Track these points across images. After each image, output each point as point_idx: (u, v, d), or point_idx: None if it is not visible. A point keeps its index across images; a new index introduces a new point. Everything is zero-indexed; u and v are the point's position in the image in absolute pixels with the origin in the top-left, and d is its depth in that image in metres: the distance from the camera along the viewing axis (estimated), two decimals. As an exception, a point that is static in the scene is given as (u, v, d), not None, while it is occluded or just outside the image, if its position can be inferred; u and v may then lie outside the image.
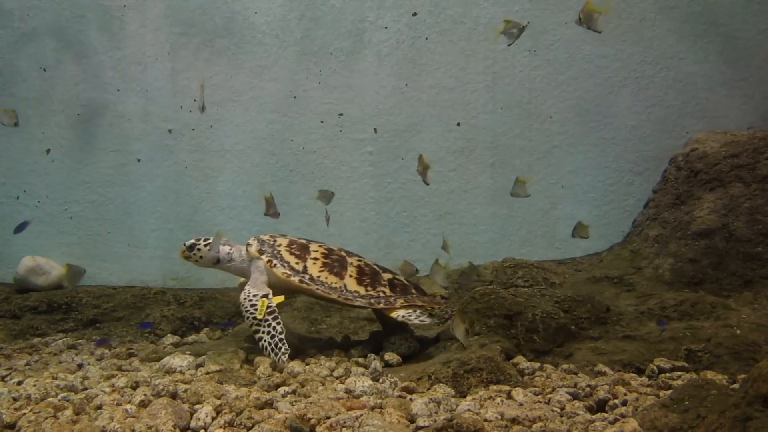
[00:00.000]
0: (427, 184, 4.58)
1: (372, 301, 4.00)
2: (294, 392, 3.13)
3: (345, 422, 2.50)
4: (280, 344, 3.79)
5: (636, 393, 2.94)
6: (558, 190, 5.63)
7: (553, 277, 5.10)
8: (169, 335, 4.80)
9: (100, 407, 2.89)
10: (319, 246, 4.20)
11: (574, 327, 3.73)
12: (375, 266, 4.22)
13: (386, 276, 4.14)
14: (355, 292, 4.00)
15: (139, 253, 5.50)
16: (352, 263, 4.13)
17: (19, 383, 3.35)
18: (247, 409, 2.73)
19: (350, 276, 4.06)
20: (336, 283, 4.02)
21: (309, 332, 4.73)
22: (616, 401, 2.84)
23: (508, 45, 4.17)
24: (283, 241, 4.18)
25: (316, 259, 4.09)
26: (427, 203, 5.67)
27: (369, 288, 4.03)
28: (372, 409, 2.76)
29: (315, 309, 5.06)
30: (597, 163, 5.62)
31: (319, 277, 4.02)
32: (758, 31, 5.53)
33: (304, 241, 4.23)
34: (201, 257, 4.18)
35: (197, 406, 2.80)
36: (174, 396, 3.00)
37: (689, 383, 2.51)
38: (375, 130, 5.67)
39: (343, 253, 4.21)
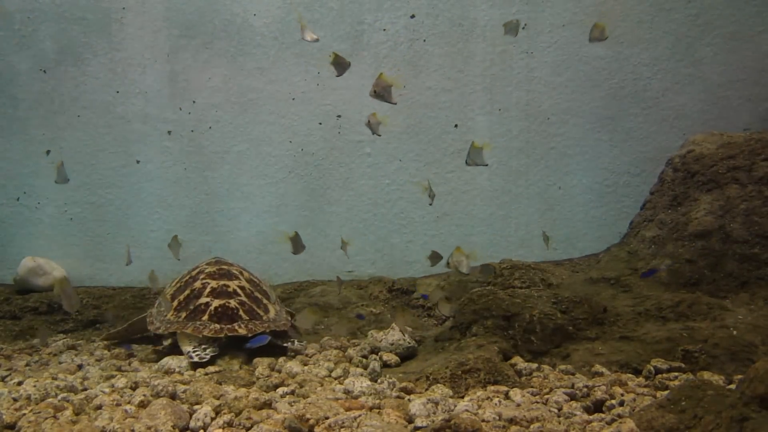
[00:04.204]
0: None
1: (154, 322, 4.24)
2: (293, 393, 3.14)
3: (343, 422, 2.51)
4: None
5: (633, 393, 2.95)
6: (555, 191, 5.65)
7: (550, 278, 5.11)
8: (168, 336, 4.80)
9: (99, 408, 2.90)
10: (201, 272, 4.43)
11: (572, 328, 3.75)
12: (213, 291, 4.24)
13: (203, 301, 4.16)
14: (161, 312, 4.25)
15: (138, 254, 5.51)
16: (195, 287, 4.29)
17: (19, 384, 3.36)
18: (246, 409, 2.75)
19: (177, 300, 4.25)
20: (161, 304, 4.33)
21: (307, 332, 4.74)
22: (614, 402, 2.85)
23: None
24: (207, 267, 4.52)
25: (179, 281, 4.47)
26: (425, 205, 5.68)
27: (173, 312, 4.18)
28: (370, 409, 2.77)
29: (313, 309, 5.07)
30: (594, 165, 5.64)
31: (164, 294, 4.43)
32: (755, 33, 5.56)
33: (201, 269, 4.52)
34: None
35: (196, 407, 2.81)
36: (173, 396, 3.02)
37: (686, 384, 2.52)
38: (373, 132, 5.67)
39: (203, 279, 4.34)
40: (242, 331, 4.01)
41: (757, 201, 4.56)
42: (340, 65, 3.78)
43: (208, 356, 3.84)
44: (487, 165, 4.14)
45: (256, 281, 4.56)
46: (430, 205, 4.34)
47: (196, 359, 3.81)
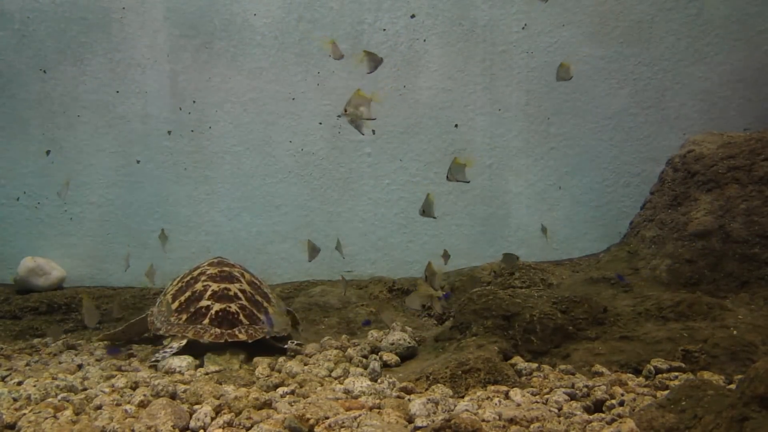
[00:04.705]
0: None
1: (155, 322, 4.27)
2: (293, 392, 3.14)
3: (343, 422, 2.51)
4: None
5: (633, 393, 2.95)
6: (555, 191, 5.65)
7: (550, 278, 5.12)
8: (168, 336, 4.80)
9: (99, 407, 2.90)
10: (202, 274, 4.44)
11: (572, 328, 3.75)
12: (214, 294, 4.27)
13: (204, 304, 4.19)
14: (162, 313, 4.27)
15: (138, 254, 5.51)
16: (196, 289, 4.31)
17: (19, 384, 3.36)
18: (246, 409, 2.75)
19: (178, 301, 4.28)
20: (162, 304, 4.35)
21: (308, 333, 4.74)
22: (614, 401, 2.85)
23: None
24: (209, 268, 4.52)
25: (180, 281, 4.49)
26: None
27: (174, 314, 4.22)
28: (370, 409, 2.77)
29: (313, 310, 5.07)
30: (594, 165, 5.64)
31: (165, 293, 4.44)
32: (755, 32, 5.56)
33: (203, 270, 4.52)
34: None
35: (196, 407, 2.81)
36: (173, 396, 3.02)
37: (686, 384, 2.52)
38: (373, 131, 5.68)
39: (204, 281, 4.35)
40: (242, 337, 4.03)
41: (757, 201, 4.56)
42: (373, 61, 3.83)
43: (161, 357, 3.93)
44: (468, 182, 4.17)
45: (257, 283, 4.57)
46: (434, 218, 4.36)
47: (157, 358, 3.92)
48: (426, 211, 3.97)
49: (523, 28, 5.63)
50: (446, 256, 4.61)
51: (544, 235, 4.63)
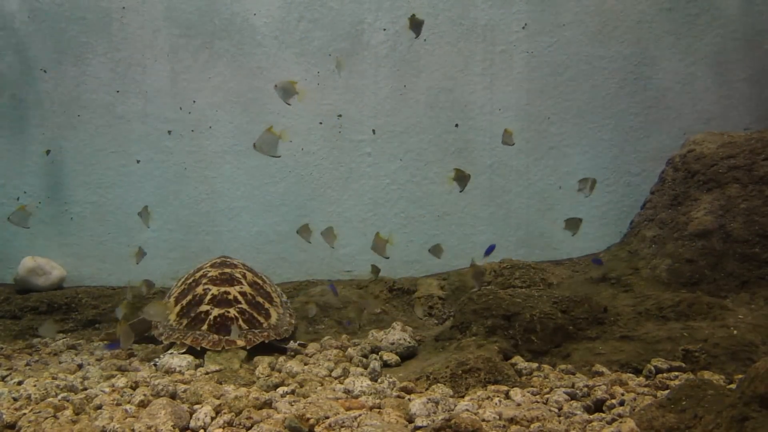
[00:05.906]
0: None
1: (158, 327, 4.31)
2: (293, 392, 3.14)
3: (344, 422, 2.51)
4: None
5: (633, 393, 2.95)
6: (555, 191, 5.65)
7: (550, 278, 5.12)
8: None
9: (99, 407, 2.90)
10: (204, 276, 4.46)
11: (572, 327, 3.75)
12: (213, 298, 4.28)
13: (203, 309, 4.22)
14: (164, 320, 4.30)
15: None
16: (197, 292, 4.33)
17: (20, 383, 3.36)
18: (246, 409, 2.75)
19: (180, 304, 4.32)
20: (167, 308, 4.35)
21: (307, 332, 4.74)
22: (614, 401, 2.85)
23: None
24: (210, 270, 4.55)
25: (182, 285, 4.53)
26: (425, 204, 5.68)
27: (176, 318, 4.25)
28: (370, 409, 2.77)
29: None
30: (594, 164, 5.64)
31: (170, 296, 4.48)
32: (756, 32, 5.56)
33: (204, 272, 4.53)
34: None
35: (196, 406, 2.81)
36: (173, 396, 3.02)
37: (686, 383, 2.52)
38: (373, 131, 5.68)
39: (205, 284, 4.38)
40: (241, 343, 4.05)
41: (758, 200, 4.56)
42: (417, 26, 3.94)
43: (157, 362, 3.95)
44: (388, 258, 4.34)
45: (260, 283, 4.56)
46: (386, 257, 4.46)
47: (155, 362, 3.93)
48: (375, 250, 4.06)
49: (523, 28, 5.63)
50: (440, 250, 4.63)
51: (589, 190, 4.54)
